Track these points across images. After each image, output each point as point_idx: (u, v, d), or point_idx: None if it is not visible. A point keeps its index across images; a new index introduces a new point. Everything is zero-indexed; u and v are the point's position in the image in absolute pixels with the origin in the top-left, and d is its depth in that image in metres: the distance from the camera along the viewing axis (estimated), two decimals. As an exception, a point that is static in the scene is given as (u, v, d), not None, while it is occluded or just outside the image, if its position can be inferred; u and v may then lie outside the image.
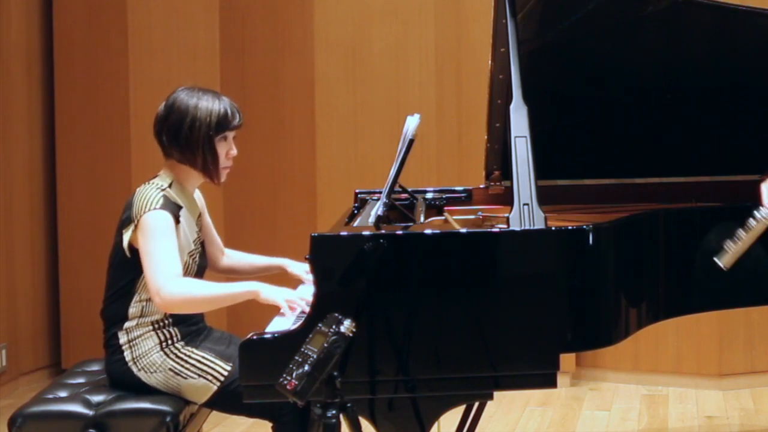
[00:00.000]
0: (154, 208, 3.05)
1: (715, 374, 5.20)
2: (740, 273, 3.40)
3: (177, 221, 3.10)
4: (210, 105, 3.16)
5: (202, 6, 5.46)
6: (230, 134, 3.20)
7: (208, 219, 3.40)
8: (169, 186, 3.17)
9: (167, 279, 2.99)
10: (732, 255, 2.94)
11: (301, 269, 3.45)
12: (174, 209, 3.10)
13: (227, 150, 3.20)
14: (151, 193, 3.10)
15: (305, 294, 3.02)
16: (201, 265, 3.26)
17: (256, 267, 3.54)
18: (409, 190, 3.62)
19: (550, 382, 2.82)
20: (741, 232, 2.95)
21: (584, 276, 2.87)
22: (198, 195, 3.32)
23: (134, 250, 3.09)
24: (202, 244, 3.30)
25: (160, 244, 3.02)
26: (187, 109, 3.14)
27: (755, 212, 2.98)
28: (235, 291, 3.04)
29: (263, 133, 5.38)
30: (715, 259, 2.98)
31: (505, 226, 2.90)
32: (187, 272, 3.14)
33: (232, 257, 3.53)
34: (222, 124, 3.17)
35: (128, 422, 3.04)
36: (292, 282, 3.39)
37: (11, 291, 5.31)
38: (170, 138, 3.16)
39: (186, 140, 3.14)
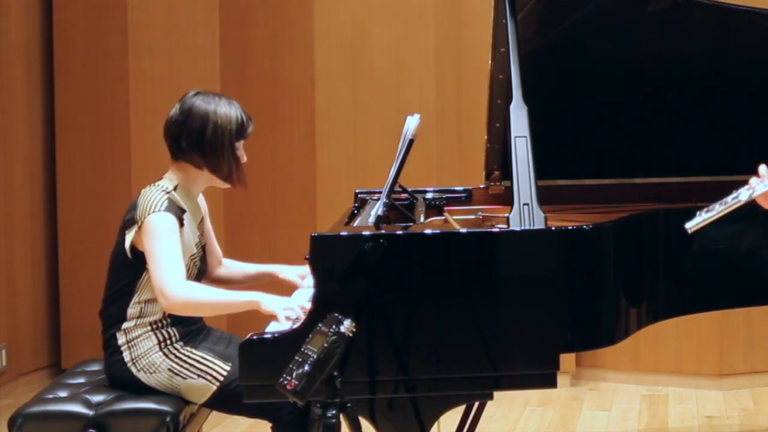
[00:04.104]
0: (158, 211, 3.05)
1: (715, 374, 5.19)
2: (740, 273, 3.40)
3: (181, 224, 3.10)
4: (228, 111, 3.16)
5: (202, 6, 5.46)
6: (243, 141, 3.22)
7: (209, 225, 3.39)
8: (174, 189, 3.17)
9: (173, 281, 2.99)
10: (701, 223, 2.91)
11: (293, 273, 3.45)
12: (178, 212, 3.10)
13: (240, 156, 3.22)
14: (155, 195, 3.10)
15: (301, 299, 3.01)
16: (201, 269, 3.26)
17: (248, 276, 3.52)
18: (409, 190, 3.61)
19: (550, 382, 2.82)
20: (717, 206, 2.91)
21: (584, 276, 2.87)
22: (201, 200, 3.32)
23: (136, 251, 3.09)
24: (203, 248, 3.30)
25: (165, 246, 3.02)
26: (207, 115, 3.14)
27: (741, 190, 2.92)
28: (239, 300, 3.04)
29: (263, 133, 5.33)
30: (686, 224, 2.93)
31: (505, 226, 2.90)
32: (188, 275, 3.13)
33: (227, 267, 3.52)
34: (240, 130, 3.18)
35: (128, 422, 3.04)
36: (287, 287, 3.39)
37: (11, 291, 5.30)
38: (192, 143, 3.15)
39: (210, 147, 3.14)
